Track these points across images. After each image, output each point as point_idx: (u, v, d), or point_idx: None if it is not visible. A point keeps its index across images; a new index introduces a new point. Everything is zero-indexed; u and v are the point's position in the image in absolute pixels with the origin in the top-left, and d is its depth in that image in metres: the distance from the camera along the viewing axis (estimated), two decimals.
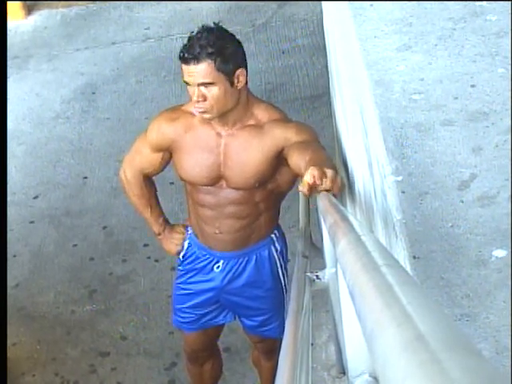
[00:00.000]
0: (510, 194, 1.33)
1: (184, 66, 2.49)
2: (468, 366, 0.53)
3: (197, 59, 2.45)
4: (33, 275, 4.35)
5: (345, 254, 1.09)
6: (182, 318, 3.09)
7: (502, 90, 1.56)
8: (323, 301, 3.33)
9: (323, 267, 2.57)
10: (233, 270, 2.90)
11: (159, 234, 3.01)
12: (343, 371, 2.71)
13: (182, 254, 3.01)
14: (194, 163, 2.69)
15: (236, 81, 2.52)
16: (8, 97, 5.09)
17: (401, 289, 0.72)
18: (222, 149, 2.65)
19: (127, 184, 2.93)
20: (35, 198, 4.91)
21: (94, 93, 5.77)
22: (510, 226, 1.27)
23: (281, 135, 2.58)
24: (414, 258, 1.26)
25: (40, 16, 6.76)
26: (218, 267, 2.91)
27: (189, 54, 2.46)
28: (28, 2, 6.78)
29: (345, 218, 1.42)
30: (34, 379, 3.78)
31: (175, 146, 2.71)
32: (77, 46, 6.30)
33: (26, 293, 4.24)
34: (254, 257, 2.89)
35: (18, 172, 5.10)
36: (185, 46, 2.49)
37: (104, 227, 4.60)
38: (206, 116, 2.55)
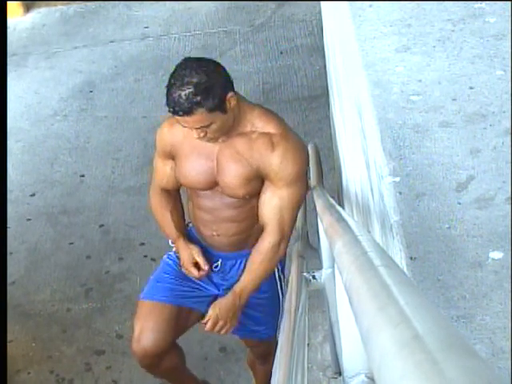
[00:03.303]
0: (507, 196, 1.33)
1: (177, 117, 2.46)
2: (464, 366, 0.53)
3: (188, 113, 2.40)
4: (29, 273, 4.34)
5: (342, 255, 1.09)
6: (157, 285, 2.89)
7: (500, 92, 1.56)
8: (319, 301, 3.33)
9: (320, 267, 2.57)
10: (232, 271, 2.89)
11: (175, 242, 2.91)
12: (339, 371, 2.71)
13: None
14: (191, 168, 2.70)
15: (228, 105, 2.49)
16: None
17: (398, 289, 0.72)
18: (216, 155, 2.66)
19: (150, 200, 2.93)
20: (32, 195, 4.90)
21: (91, 91, 5.77)
22: (506, 228, 1.27)
23: (267, 159, 2.59)
24: (411, 258, 1.26)
25: (38, 14, 6.76)
26: (217, 267, 2.90)
27: (178, 109, 2.40)
28: (27, 0, 6.78)
29: (342, 219, 1.42)
30: (29, 377, 3.78)
31: (175, 152, 2.73)
32: (75, 44, 6.30)
33: (22, 290, 4.24)
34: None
35: (15, 169, 5.09)
36: (169, 99, 2.42)
37: (101, 225, 4.60)
38: (211, 141, 2.58)
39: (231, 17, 6.37)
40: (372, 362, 0.64)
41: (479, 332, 1.13)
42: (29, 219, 4.71)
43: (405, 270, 1.26)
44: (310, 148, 3.30)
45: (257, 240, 2.78)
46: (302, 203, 2.74)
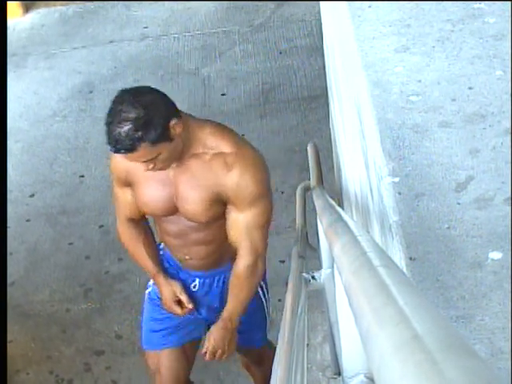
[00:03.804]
0: (506, 196, 1.33)
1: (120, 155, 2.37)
2: (464, 367, 0.54)
3: (130, 150, 2.30)
4: (28, 273, 4.35)
5: (341, 255, 1.09)
6: (155, 333, 2.92)
7: (499, 92, 1.56)
8: (319, 301, 3.33)
9: (319, 268, 2.57)
10: (212, 289, 2.83)
11: (154, 278, 2.83)
12: (338, 372, 2.71)
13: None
14: (149, 196, 2.60)
15: (173, 132, 2.36)
16: None
17: (397, 289, 0.72)
18: (172, 180, 2.55)
19: (120, 234, 2.82)
20: (31, 196, 4.90)
21: (91, 91, 5.76)
22: (505, 229, 1.27)
23: (225, 181, 2.50)
24: (410, 259, 1.26)
25: (38, 14, 6.75)
26: (195, 286, 2.82)
27: (120, 147, 2.30)
28: (26, 1, 6.78)
29: (341, 219, 1.42)
30: (29, 377, 3.78)
31: (131, 179, 2.62)
32: (74, 44, 6.30)
33: (22, 291, 4.24)
34: (230, 274, 2.75)
35: (15, 170, 5.09)
36: (110, 137, 2.31)
37: (100, 226, 4.60)
38: (162, 169, 2.47)
39: (230, 17, 6.37)
40: (371, 362, 0.64)
41: (478, 332, 1.13)
42: (28, 220, 4.71)
43: (404, 270, 1.26)
44: (309, 148, 3.30)
45: (233, 254, 2.70)
46: (270, 218, 2.66)
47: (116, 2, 6.70)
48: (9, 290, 4.11)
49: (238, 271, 2.65)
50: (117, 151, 2.32)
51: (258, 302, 2.90)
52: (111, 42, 6.28)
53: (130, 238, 2.80)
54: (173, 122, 2.35)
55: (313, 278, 2.55)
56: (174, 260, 2.83)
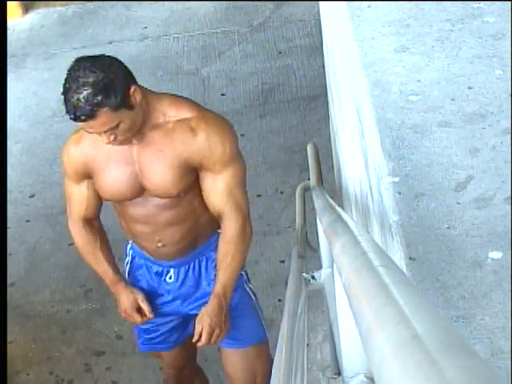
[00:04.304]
0: (506, 195, 1.33)
1: (80, 123, 2.30)
2: (463, 367, 0.54)
3: (91, 116, 2.22)
4: (28, 274, 4.34)
5: (341, 255, 1.09)
6: (150, 339, 2.88)
7: (498, 91, 1.56)
8: (319, 301, 3.33)
9: (319, 267, 2.57)
10: (188, 277, 2.71)
11: (113, 286, 2.75)
12: (338, 372, 2.71)
13: (127, 269, 2.82)
14: (112, 179, 2.48)
15: (134, 100, 2.30)
16: None
17: (397, 289, 0.72)
18: (135, 157, 2.45)
19: (73, 236, 2.71)
20: (31, 196, 4.90)
21: None
22: (505, 228, 1.27)
23: (193, 147, 2.41)
24: (410, 259, 1.26)
25: (37, 15, 6.75)
26: (171, 277, 2.71)
27: (80, 114, 2.22)
28: (25, 1, 6.77)
29: (341, 219, 1.42)
30: (29, 378, 3.78)
31: (90, 169, 2.51)
32: (74, 44, 6.30)
33: (22, 291, 4.24)
34: (205, 257, 2.69)
35: (15, 170, 5.09)
36: (68, 105, 2.23)
37: None
38: (124, 144, 2.39)
39: (230, 17, 6.37)
40: (371, 362, 0.64)
41: (478, 332, 1.13)
42: (28, 220, 4.71)
43: (404, 270, 1.26)
44: (309, 148, 3.30)
45: (206, 235, 2.63)
46: (245, 177, 2.55)
47: (115, 2, 6.70)
48: (9, 290, 4.11)
49: (229, 236, 2.52)
50: (76, 119, 2.25)
51: (242, 295, 2.77)
52: (111, 42, 6.28)
53: (85, 242, 2.69)
54: (132, 88, 2.30)
55: (313, 277, 2.55)
56: (145, 254, 2.71)
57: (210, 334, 2.59)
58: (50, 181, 4.99)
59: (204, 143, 2.41)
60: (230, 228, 2.52)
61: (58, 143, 5.40)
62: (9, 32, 6.37)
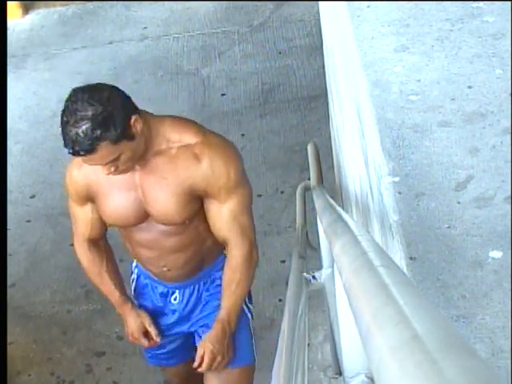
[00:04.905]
0: (506, 195, 1.33)
1: (80, 158, 2.22)
2: (464, 366, 0.53)
3: (90, 151, 2.15)
4: (29, 274, 4.34)
5: (341, 255, 1.09)
6: (157, 354, 2.86)
7: (498, 91, 1.56)
8: (319, 301, 3.33)
9: (320, 267, 2.57)
10: (193, 297, 2.68)
11: (119, 307, 2.70)
12: (339, 372, 2.71)
13: (133, 286, 2.78)
14: (116, 204, 2.43)
15: (135, 130, 2.23)
16: None
17: (397, 289, 0.72)
18: (138, 183, 2.40)
19: (79, 257, 2.70)
20: (32, 197, 4.90)
21: None
22: (506, 227, 1.27)
23: (197, 173, 2.36)
24: (411, 258, 1.26)
25: (37, 15, 6.75)
26: (176, 298, 2.69)
27: (79, 149, 2.14)
28: (25, 1, 6.78)
29: (341, 219, 1.42)
30: (30, 379, 3.78)
31: (93, 192, 2.46)
32: (74, 45, 6.30)
33: (22, 292, 4.24)
34: (211, 278, 2.67)
35: (15, 171, 5.09)
36: (67, 139, 2.16)
37: None
38: (125, 172, 2.33)
39: (230, 17, 6.37)
40: (371, 362, 0.64)
41: (479, 331, 1.13)
42: (28, 221, 4.71)
43: (404, 269, 1.26)
44: (309, 147, 3.30)
45: (212, 257, 2.60)
46: (251, 200, 2.53)
47: (115, 3, 6.70)
48: (9, 291, 4.11)
49: (234, 263, 2.50)
50: (75, 153, 2.18)
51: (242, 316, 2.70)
52: (111, 42, 6.28)
53: (90, 263, 2.67)
54: (133, 118, 2.22)
55: (313, 277, 2.55)
56: (150, 275, 2.68)
57: (212, 361, 2.57)
58: (51, 181, 4.99)
59: (208, 170, 2.36)
60: (235, 256, 2.50)
61: (58, 143, 5.37)
62: (9, 32, 6.37)
